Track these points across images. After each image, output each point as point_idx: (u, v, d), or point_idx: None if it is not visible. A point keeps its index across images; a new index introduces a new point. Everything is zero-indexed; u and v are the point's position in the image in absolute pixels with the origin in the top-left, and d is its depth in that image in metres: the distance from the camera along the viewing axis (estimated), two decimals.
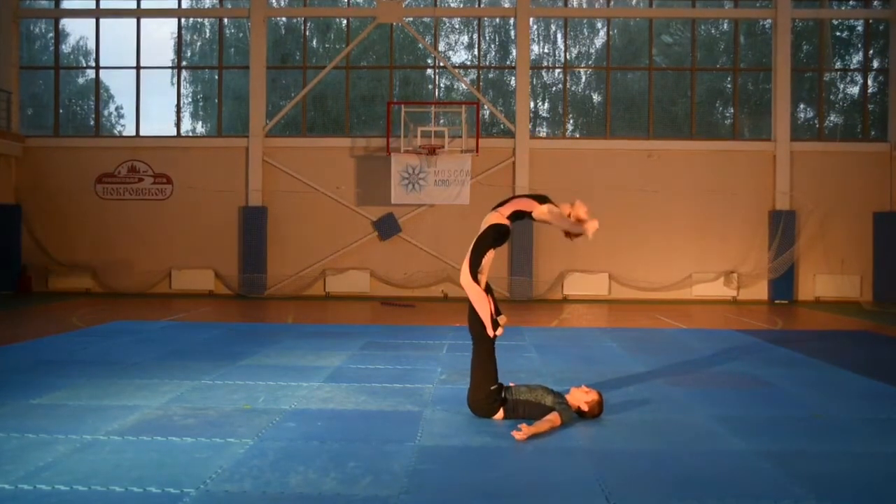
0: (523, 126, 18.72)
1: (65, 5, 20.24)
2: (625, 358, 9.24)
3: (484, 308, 5.98)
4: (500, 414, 5.99)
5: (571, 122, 19.83)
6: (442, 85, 19.90)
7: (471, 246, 6.08)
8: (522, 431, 5.43)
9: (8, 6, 19.08)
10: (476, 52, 19.73)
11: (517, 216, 6.15)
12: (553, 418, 5.70)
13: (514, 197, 6.30)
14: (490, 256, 6.14)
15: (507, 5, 19.87)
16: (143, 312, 14.53)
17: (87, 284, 18.88)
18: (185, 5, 19.84)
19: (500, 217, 6.09)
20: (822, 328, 13.33)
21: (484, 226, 6.12)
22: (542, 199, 6.20)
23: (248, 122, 18.98)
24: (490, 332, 5.98)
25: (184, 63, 19.75)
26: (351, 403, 6.59)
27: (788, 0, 18.72)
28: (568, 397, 6.01)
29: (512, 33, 19.44)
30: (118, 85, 19.96)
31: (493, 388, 5.99)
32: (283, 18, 20.11)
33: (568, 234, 6.37)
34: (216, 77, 19.59)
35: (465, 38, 20.12)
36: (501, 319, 6.05)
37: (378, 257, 18.79)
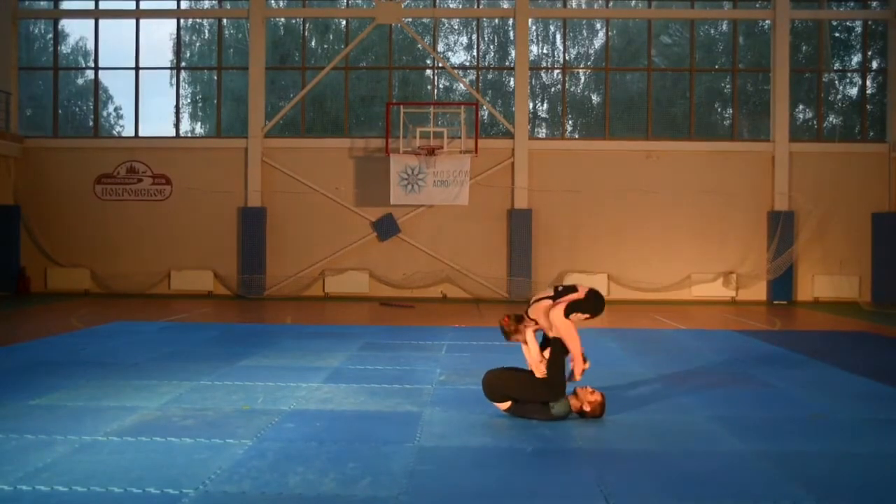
0: (522, 127, 18.72)
1: (64, 6, 20.22)
2: (624, 358, 9.24)
3: (576, 344, 6.03)
4: (506, 404, 6.03)
5: (570, 122, 19.82)
6: (441, 86, 19.89)
7: (569, 297, 6.11)
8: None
9: (7, 7, 19.06)
10: (475, 53, 19.73)
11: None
12: (538, 363, 6.02)
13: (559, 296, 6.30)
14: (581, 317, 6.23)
15: (505, 6, 19.88)
16: (142, 313, 14.52)
17: (86, 285, 18.86)
18: (184, 6, 19.83)
19: (585, 289, 6.23)
20: (821, 329, 13.33)
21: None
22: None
23: (248, 123, 18.97)
24: (580, 368, 6.06)
25: (183, 64, 19.74)
26: (350, 404, 6.58)
27: (787, 1, 18.73)
28: (571, 397, 6.04)
29: (511, 34, 19.44)
30: (117, 86, 19.96)
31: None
32: (282, 19, 20.11)
33: (518, 331, 6.31)
34: (215, 78, 19.57)
35: (464, 39, 20.12)
36: (587, 364, 6.18)
37: (377, 258, 18.78)
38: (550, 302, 6.13)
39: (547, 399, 5.96)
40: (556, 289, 6.28)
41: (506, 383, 6.05)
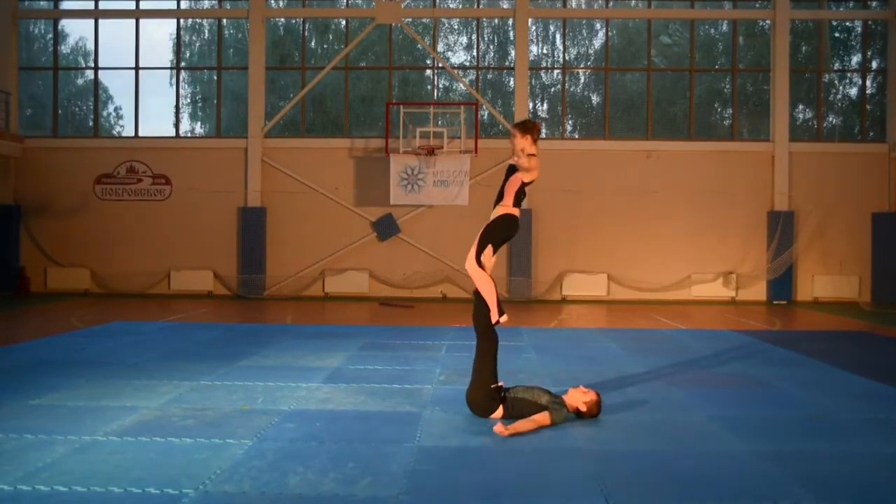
0: None
1: (64, 6, 20.23)
2: (624, 358, 9.24)
3: (490, 292, 5.99)
4: (499, 412, 5.99)
5: (570, 122, 19.83)
6: (441, 86, 19.90)
7: (478, 234, 6.09)
8: (504, 429, 5.47)
9: (7, 7, 19.06)
10: (475, 53, 19.73)
11: (520, 197, 6.12)
12: (539, 418, 5.71)
13: (505, 180, 6.16)
14: (491, 251, 6.12)
15: (505, 6, 19.88)
16: (141, 313, 14.52)
17: (85, 285, 18.86)
18: (183, 6, 19.83)
19: (506, 208, 6.07)
20: (821, 329, 13.34)
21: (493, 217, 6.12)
22: (512, 169, 6.11)
23: (247, 123, 18.97)
24: (495, 317, 5.97)
25: (182, 64, 19.74)
26: (350, 404, 6.58)
27: (787, 1, 18.73)
28: (566, 398, 6.01)
29: (511, 34, 19.44)
30: (117, 86, 19.97)
31: (492, 387, 5.99)
32: (282, 19, 20.11)
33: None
34: (215, 78, 19.58)
35: (464, 39, 20.13)
36: (503, 318, 6.05)
37: (377, 258, 18.78)
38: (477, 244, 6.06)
39: (491, 351, 5.95)
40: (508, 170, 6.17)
41: (474, 382, 6.03)
